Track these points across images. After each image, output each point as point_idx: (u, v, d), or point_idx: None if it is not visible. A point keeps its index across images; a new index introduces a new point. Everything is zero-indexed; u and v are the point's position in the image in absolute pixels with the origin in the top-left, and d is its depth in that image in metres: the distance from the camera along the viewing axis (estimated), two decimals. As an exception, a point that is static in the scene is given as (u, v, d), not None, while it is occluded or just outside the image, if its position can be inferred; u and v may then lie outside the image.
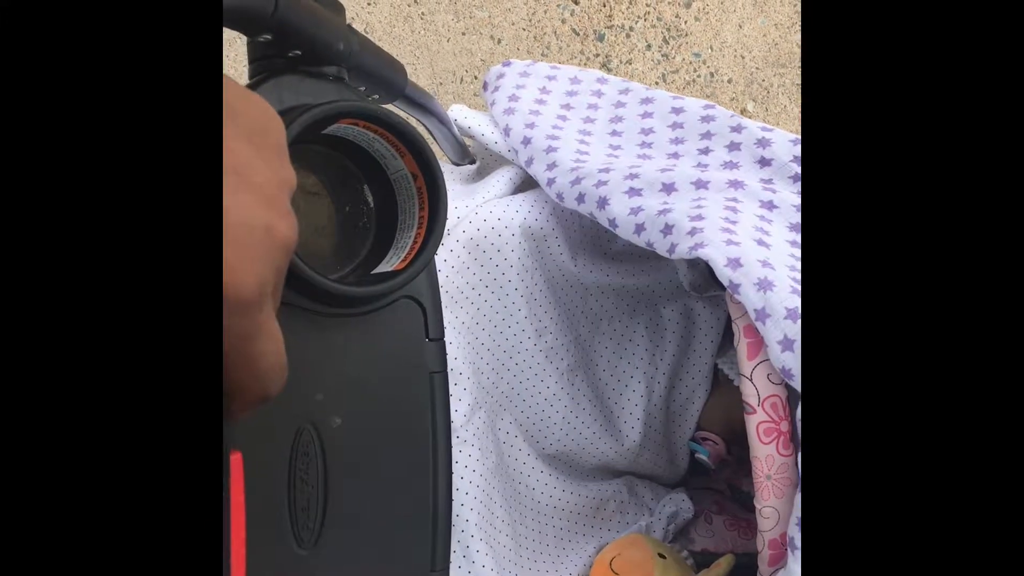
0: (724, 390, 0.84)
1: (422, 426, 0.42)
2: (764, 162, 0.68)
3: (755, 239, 0.59)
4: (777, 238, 0.61)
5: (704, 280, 0.82)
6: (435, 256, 0.43)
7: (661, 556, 0.74)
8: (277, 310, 0.30)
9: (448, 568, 0.43)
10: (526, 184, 0.77)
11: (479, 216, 0.69)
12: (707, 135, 0.72)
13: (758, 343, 0.57)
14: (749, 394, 0.58)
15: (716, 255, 0.57)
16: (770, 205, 0.63)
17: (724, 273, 0.57)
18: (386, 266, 0.42)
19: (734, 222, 0.60)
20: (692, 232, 0.59)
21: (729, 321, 0.83)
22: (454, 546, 0.67)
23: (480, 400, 0.72)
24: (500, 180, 0.74)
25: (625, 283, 0.80)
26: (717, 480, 0.92)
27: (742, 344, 0.58)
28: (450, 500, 0.43)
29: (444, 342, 0.44)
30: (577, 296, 0.79)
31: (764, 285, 0.55)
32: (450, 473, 0.43)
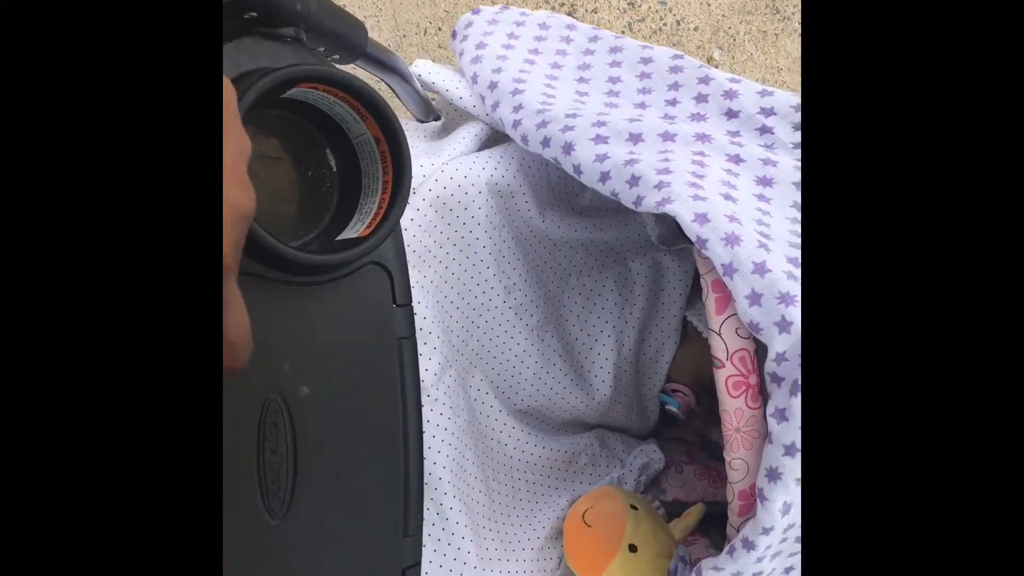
0: (693, 342, 0.85)
1: (391, 392, 0.42)
2: (731, 114, 0.68)
3: (722, 193, 0.59)
4: (744, 192, 0.60)
5: (672, 234, 0.82)
6: (400, 219, 0.42)
7: (633, 507, 0.75)
8: (237, 281, 0.30)
9: (421, 532, 0.43)
10: (492, 140, 0.76)
11: (445, 174, 0.69)
12: (675, 86, 0.71)
13: (726, 298, 0.57)
14: (718, 348, 0.58)
15: (683, 210, 0.57)
16: (736, 159, 0.63)
17: (691, 228, 0.57)
18: (350, 232, 0.41)
19: (701, 176, 0.60)
20: (659, 186, 0.59)
21: (697, 274, 0.83)
22: (428, 505, 0.67)
23: (450, 359, 0.72)
24: (466, 136, 0.73)
25: (593, 237, 0.80)
26: (687, 431, 0.93)
27: (710, 299, 0.58)
28: (421, 465, 0.43)
29: (412, 307, 0.43)
30: (545, 252, 0.78)
31: (731, 240, 0.55)
32: (420, 438, 0.43)
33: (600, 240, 0.81)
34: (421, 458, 0.43)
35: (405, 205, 0.40)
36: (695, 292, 0.85)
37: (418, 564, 0.43)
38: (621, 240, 0.82)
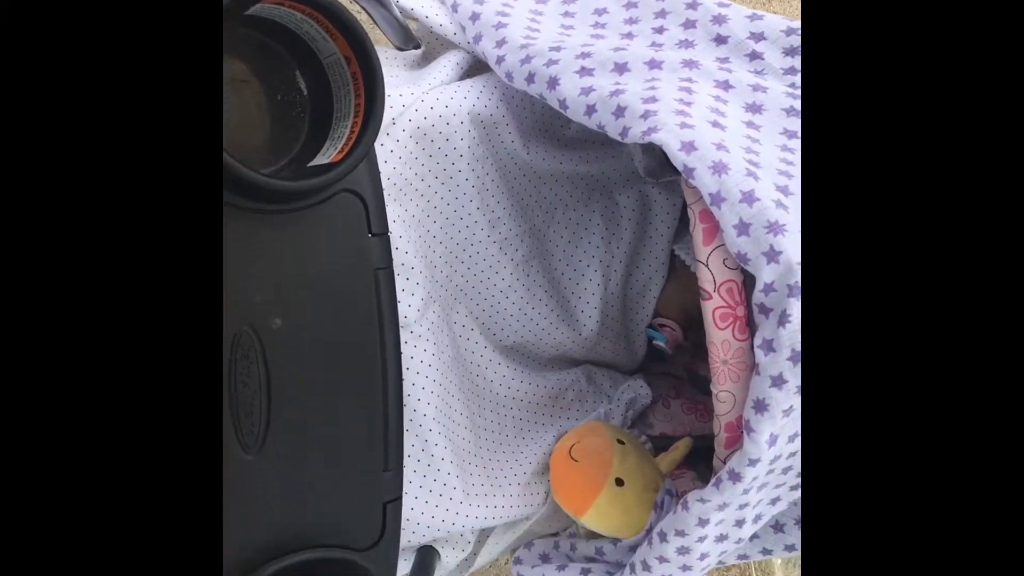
0: (681, 276, 0.84)
1: (369, 324, 0.41)
2: (720, 40, 0.66)
3: (710, 121, 0.57)
4: (732, 119, 0.59)
5: (659, 165, 0.80)
6: (376, 146, 0.41)
7: (620, 442, 0.75)
8: None
9: (401, 467, 0.42)
10: (474, 70, 0.73)
11: (425, 103, 0.66)
12: (662, 13, 0.69)
13: (713, 228, 0.56)
14: (705, 280, 0.57)
15: (670, 139, 0.55)
16: (725, 85, 0.61)
17: (678, 157, 0.55)
18: (323, 158, 0.40)
19: (688, 103, 0.58)
20: (645, 115, 0.57)
21: (685, 206, 0.82)
22: (413, 441, 0.67)
23: (433, 294, 0.71)
24: (447, 65, 0.71)
25: (579, 170, 0.78)
26: (675, 366, 0.92)
27: (697, 230, 0.57)
28: (400, 398, 0.42)
29: (388, 237, 0.42)
30: (530, 185, 0.76)
31: (719, 168, 0.54)
32: (400, 371, 0.42)
33: (586, 173, 0.79)
34: (400, 391, 0.42)
35: (378, 129, 0.38)
36: (683, 225, 0.84)
37: (399, 499, 0.42)
38: (607, 173, 0.80)
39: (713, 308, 0.56)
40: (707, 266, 0.56)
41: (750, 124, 0.59)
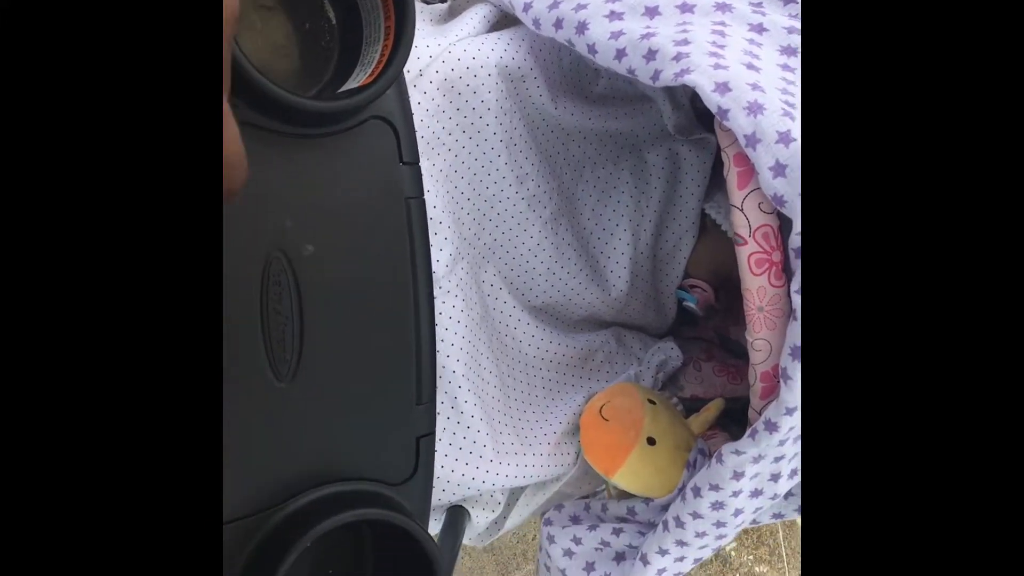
0: (711, 236, 0.83)
1: (400, 254, 0.40)
2: (753, -15, 0.64)
3: (744, 63, 0.56)
4: (767, 62, 0.57)
5: (689, 122, 0.79)
6: (405, 73, 0.40)
7: (651, 402, 0.74)
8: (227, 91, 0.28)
9: (434, 402, 0.42)
10: (501, 24, 0.72)
11: (452, 55, 0.66)
12: (692, -39, 0.67)
13: (749, 171, 0.55)
14: (740, 225, 0.55)
15: (703, 80, 0.54)
16: (760, 28, 0.60)
17: (712, 99, 0.54)
18: (352, 84, 0.39)
19: (722, 46, 0.57)
20: (677, 57, 0.56)
21: (715, 165, 0.81)
22: (441, 397, 0.66)
23: (462, 250, 0.70)
24: (474, 18, 0.70)
25: (608, 127, 0.77)
26: (705, 329, 0.91)
27: (732, 173, 0.56)
28: (433, 331, 0.41)
29: (419, 167, 0.41)
30: (558, 142, 0.75)
31: (754, 109, 0.52)
32: (432, 304, 0.41)
33: (614, 130, 0.78)
34: (433, 323, 0.41)
35: (409, 50, 0.37)
36: (714, 184, 0.82)
37: (432, 434, 0.41)
38: (636, 131, 0.79)
39: (748, 254, 0.55)
40: (742, 210, 0.55)
41: (785, 67, 0.58)
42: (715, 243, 0.82)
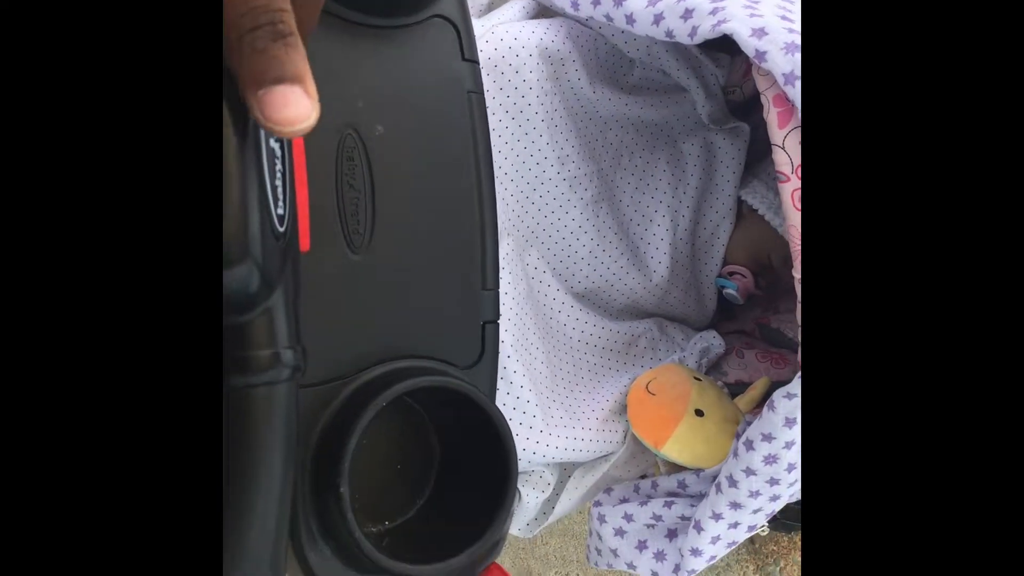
0: (749, 222, 0.84)
1: (464, 144, 0.42)
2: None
3: (779, 15, 0.59)
4: (798, 11, 0.60)
5: (722, 112, 0.82)
6: None
7: (697, 379, 0.74)
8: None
9: (498, 290, 0.43)
10: (539, 15, 0.76)
11: (495, 35, 0.69)
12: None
13: (788, 111, 0.57)
14: (782, 163, 0.57)
15: (740, 27, 0.57)
16: (791, -11, 0.62)
17: (750, 44, 0.56)
18: None
19: (756, 2, 0.59)
20: (714, 11, 0.58)
21: (750, 152, 0.83)
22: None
23: (506, 228, 0.72)
24: (513, 7, 0.73)
25: (643, 115, 0.80)
26: (745, 321, 0.91)
27: (772, 114, 0.57)
28: (495, 222, 0.42)
29: (478, 65, 0.43)
30: (596, 129, 0.78)
31: (791, 48, 0.55)
32: (494, 197, 0.43)
33: (649, 119, 0.80)
34: (495, 216, 0.42)
35: None
36: (749, 172, 0.84)
37: (496, 321, 0.42)
38: (671, 120, 0.82)
39: (792, 190, 0.57)
40: (784, 149, 0.57)
41: (818, 21, 0.60)
42: (753, 229, 0.83)
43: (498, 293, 0.42)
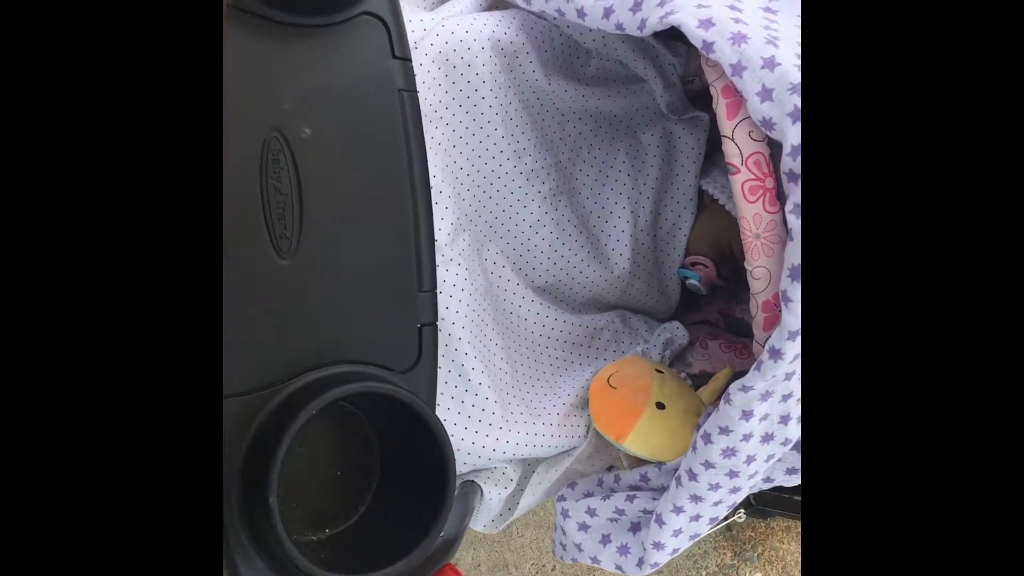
0: (710, 212, 0.84)
1: (395, 143, 0.41)
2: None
3: (727, 5, 0.58)
4: (749, 4, 0.59)
5: (681, 101, 0.81)
6: None
7: (659, 371, 0.74)
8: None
9: (435, 291, 0.42)
10: (492, 7, 0.75)
11: (446, 28, 0.68)
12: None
13: (737, 102, 0.56)
14: (732, 154, 0.57)
15: (687, 19, 0.56)
16: (741, -22, 0.62)
17: (697, 35, 0.56)
18: None
19: (704, -8, 0.59)
20: (661, 3, 0.58)
21: (710, 142, 0.82)
22: (449, 367, 0.66)
23: (463, 223, 0.71)
24: (465, -1, 0.72)
25: (601, 107, 0.79)
26: (709, 311, 0.91)
27: (720, 106, 0.57)
28: (431, 222, 0.42)
29: (411, 63, 0.43)
30: (554, 121, 0.77)
31: (738, 39, 0.54)
32: (429, 197, 0.42)
33: (607, 110, 0.80)
34: (431, 215, 0.42)
35: None
36: (709, 161, 0.84)
37: (435, 324, 0.42)
38: (630, 111, 0.81)
39: (742, 182, 0.56)
40: (733, 140, 0.56)
41: (767, 10, 0.60)
42: (714, 218, 0.83)
43: (435, 295, 0.42)
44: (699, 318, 0.91)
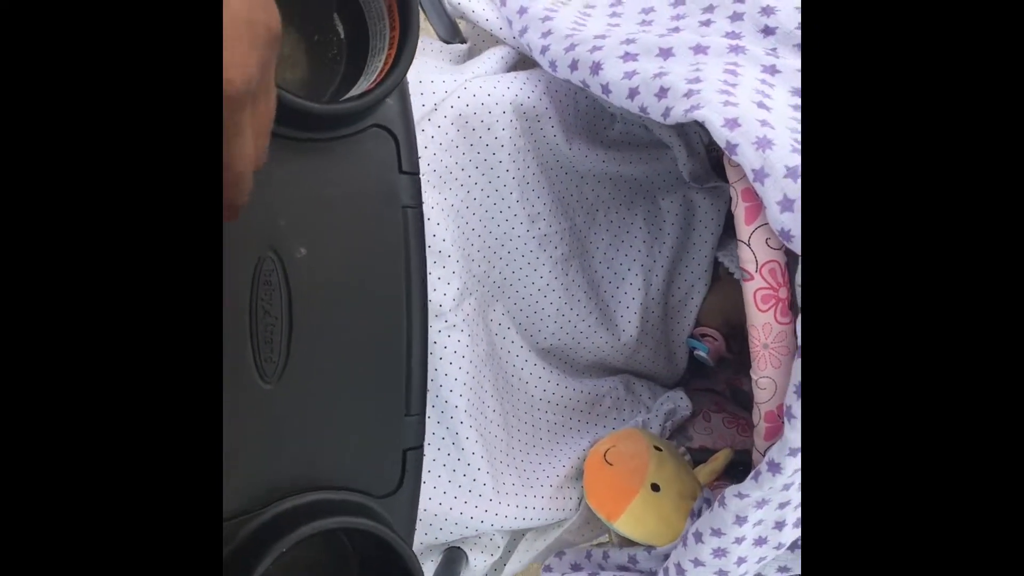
0: (724, 284, 0.82)
1: (395, 261, 0.40)
2: (768, 31, 0.65)
3: (755, 102, 0.56)
4: (779, 102, 0.57)
5: (704, 170, 0.79)
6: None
7: (657, 448, 0.73)
8: (268, 110, 0.29)
9: (424, 414, 0.41)
10: (518, 66, 0.73)
11: (468, 91, 0.66)
12: (709, 8, 0.68)
13: (756, 207, 0.55)
14: (747, 260, 0.55)
15: (713, 116, 0.54)
16: (772, 70, 0.60)
17: (721, 134, 0.54)
18: (356, 91, 0.39)
19: (733, 85, 0.57)
20: (688, 94, 0.56)
21: (729, 213, 0.80)
22: (443, 434, 0.65)
23: (470, 286, 0.70)
24: (491, 58, 0.71)
25: (622, 171, 0.77)
26: (716, 381, 0.90)
27: (740, 208, 0.55)
28: (425, 344, 0.40)
29: (419, 177, 0.41)
30: (572, 184, 0.76)
31: (763, 144, 0.52)
32: (425, 315, 0.41)
33: (628, 175, 0.78)
34: (425, 336, 0.40)
35: (411, 58, 0.38)
36: (727, 233, 0.82)
37: (420, 447, 0.41)
38: (651, 176, 0.79)
39: (755, 289, 0.55)
40: (749, 246, 0.55)
41: (797, 107, 0.58)
42: (728, 292, 0.81)
43: (423, 417, 0.40)
44: (706, 386, 0.89)
